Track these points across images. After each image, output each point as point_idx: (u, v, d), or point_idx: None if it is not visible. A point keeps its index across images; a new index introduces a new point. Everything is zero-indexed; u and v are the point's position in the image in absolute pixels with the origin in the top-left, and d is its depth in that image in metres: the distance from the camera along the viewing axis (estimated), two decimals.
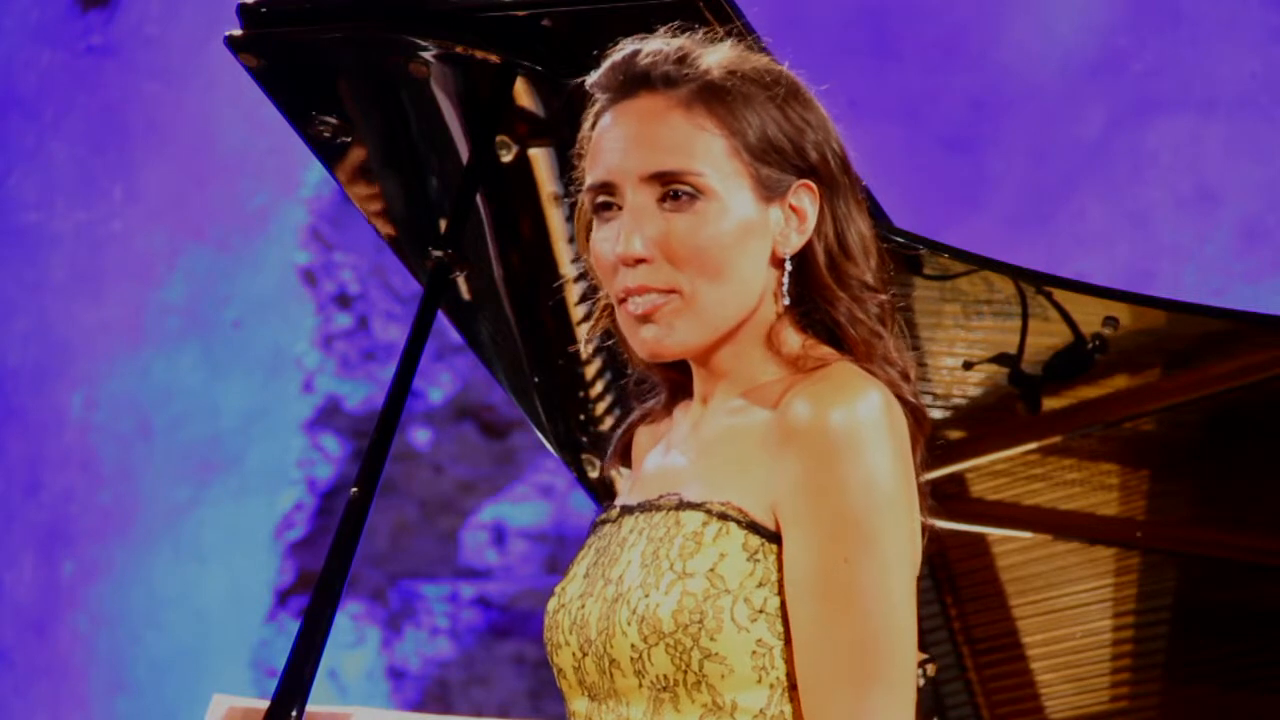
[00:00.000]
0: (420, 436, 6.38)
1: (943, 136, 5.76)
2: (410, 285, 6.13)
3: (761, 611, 1.98)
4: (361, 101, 2.96)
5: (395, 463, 6.23)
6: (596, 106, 2.09)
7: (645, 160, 2.03)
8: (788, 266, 2.06)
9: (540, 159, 2.94)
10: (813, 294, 2.07)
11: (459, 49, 2.77)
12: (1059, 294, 3.05)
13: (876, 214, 2.85)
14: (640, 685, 2.00)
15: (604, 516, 2.15)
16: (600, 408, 3.26)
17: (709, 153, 2.03)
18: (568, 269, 3.06)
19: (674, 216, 2.03)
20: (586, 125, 2.10)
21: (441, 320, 2.85)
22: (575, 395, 3.24)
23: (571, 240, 3.02)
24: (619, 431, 2.24)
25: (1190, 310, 3.07)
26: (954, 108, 5.78)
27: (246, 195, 6.45)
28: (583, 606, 2.06)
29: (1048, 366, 3.14)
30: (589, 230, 2.10)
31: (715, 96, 2.04)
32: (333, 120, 2.93)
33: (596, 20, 2.68)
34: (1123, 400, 3.16)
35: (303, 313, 6.42)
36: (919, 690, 3.26)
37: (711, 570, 1.98)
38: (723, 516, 2.00)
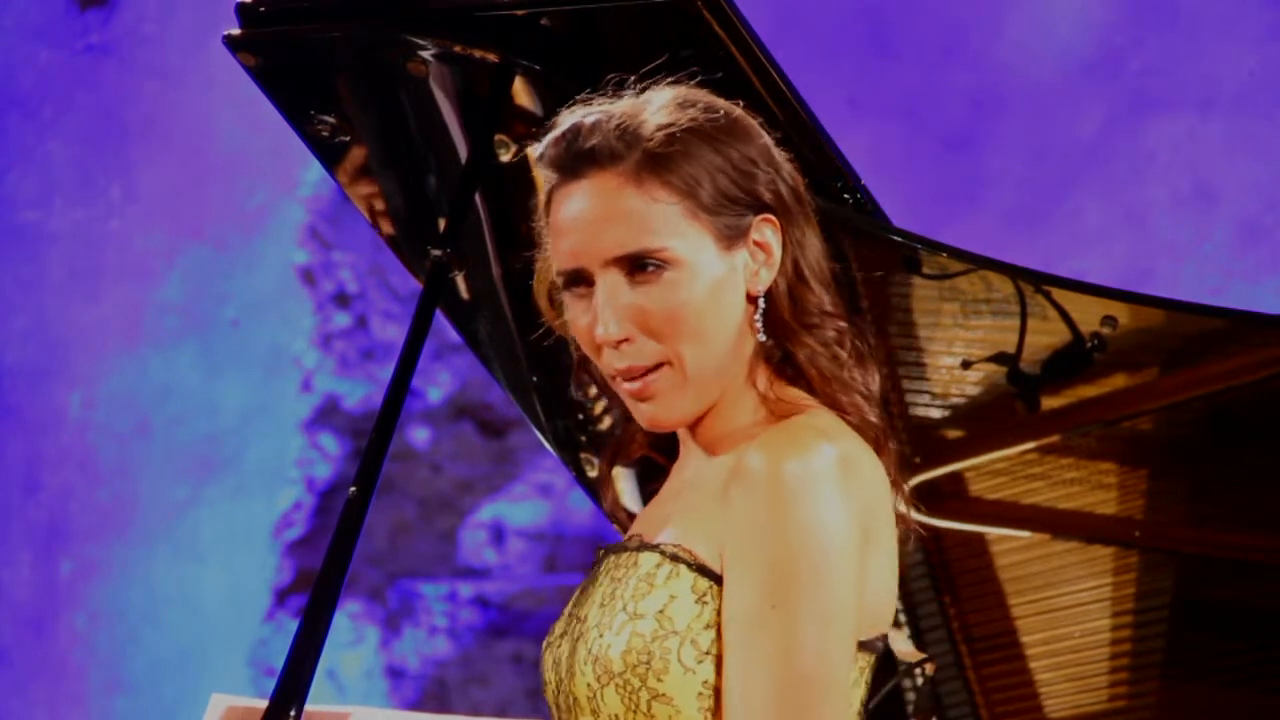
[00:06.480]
0: (419, 435, 6.38)
1: (942, 135, 5.76)
2: (409, 284, 6.12)
3: (708, 653, 2.00)
4: (360, 100, 2.96)
5: (394, 462, 6.23)
6: (547, 185, 2.12)
7: (609, 244, 2.06)
8: (761, 304, 2.09)
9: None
10: (774, 330, 2.10)
11: (457, 48, 2.77)
12: (1057, 293, 3.05)
13: (876, 213, 2.85)
14: None
15: (596, 556, 2.19)
16: (599, 406, 3.26)
17: (668, 224, 2.05)
18: None
19: (645, 289, 2.06)
20: (541, 203, 2.14)
21: (440, 319, 2.84)
22: (573, 394, 3.23)
23: None
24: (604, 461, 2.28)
25: (1188, 309, 3.06)
26: (953, 106, 5.78)
27: (245, 194, 6.44)
28: (559, 646, 2.12)
29: (1046, 365, 3.13)
30: (551, 294, 2.15)
31: (662, 164, 2.06)
32: (331, 119, 2.93)
33: (596, 20, 2.68)
34: (1121, 399, 3.15)
35: (301, 312, 6.42)
36: (918, 689, 3.27)
37: (661, 612, 2.01)
38: (674, 558, 2.03)
